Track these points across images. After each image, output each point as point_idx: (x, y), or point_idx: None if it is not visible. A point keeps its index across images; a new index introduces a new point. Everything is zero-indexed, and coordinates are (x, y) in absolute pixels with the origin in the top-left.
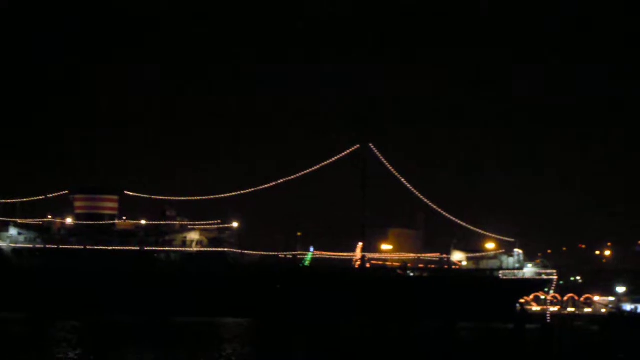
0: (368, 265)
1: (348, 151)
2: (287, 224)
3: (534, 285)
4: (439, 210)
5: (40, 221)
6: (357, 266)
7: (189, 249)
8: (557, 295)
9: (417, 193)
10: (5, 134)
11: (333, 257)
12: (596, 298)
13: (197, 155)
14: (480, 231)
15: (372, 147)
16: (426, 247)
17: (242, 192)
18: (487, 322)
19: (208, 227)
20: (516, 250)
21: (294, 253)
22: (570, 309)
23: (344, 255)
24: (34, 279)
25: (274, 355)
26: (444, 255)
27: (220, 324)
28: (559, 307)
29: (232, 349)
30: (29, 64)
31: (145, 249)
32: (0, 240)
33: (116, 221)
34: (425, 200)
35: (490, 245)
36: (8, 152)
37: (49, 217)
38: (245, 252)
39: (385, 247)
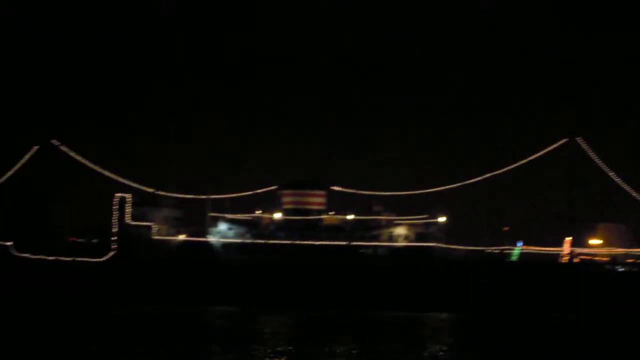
0: (576, 260)
1: (556, 145)
2: (494, 218)
3: None
4: None
5: (249, 216)
6: (565, 261)
7: (395, 244)
8: None
9: (626, 187)
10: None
11: (541, 251)
12: None
13: (401, 150)
14: None
15: (580, 140)
16: (636, 241)
17: (448, 187)
18: None
19: (415, 221)
20: None
21: (501, 248)
22: None
23: (552, 250)
24: (242, 273)
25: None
26: None
27: (426, 319)
28: None
29: (441, 343)
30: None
31: (352, 243)
32: (210, 234)
33: (323, 216)
34: (634, 194)
35: None
36: (218, 148)
37: (258, 212)
38: (452, 246)
39: (594, 241)
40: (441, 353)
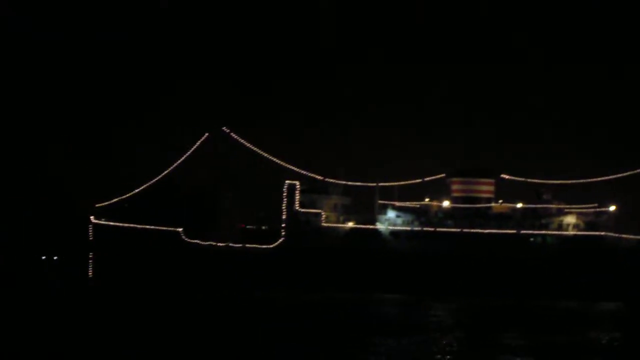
0: None
1: None
2: None
3: None
4: None
5: (417, 204)
6: None
7: (565, 233)
8: None
9: None
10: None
11: None
12: None
13: (569, 138)
14: None
15: None
16: None
17: (619, 175)
18: None
19: (585, 210)
20: None
21: None
22: None
23: None
24: (411, 261)
25: None
26: None
27: (595, 308)
28: None
29: (613, 333)
30: None
31: (521, 232)
32: (378, 222)
33: (492, 204)
34: None
35: None
36: (387, 136)
37: (426, 200)
38: (623, 236)
39: None
40: (615, 343)
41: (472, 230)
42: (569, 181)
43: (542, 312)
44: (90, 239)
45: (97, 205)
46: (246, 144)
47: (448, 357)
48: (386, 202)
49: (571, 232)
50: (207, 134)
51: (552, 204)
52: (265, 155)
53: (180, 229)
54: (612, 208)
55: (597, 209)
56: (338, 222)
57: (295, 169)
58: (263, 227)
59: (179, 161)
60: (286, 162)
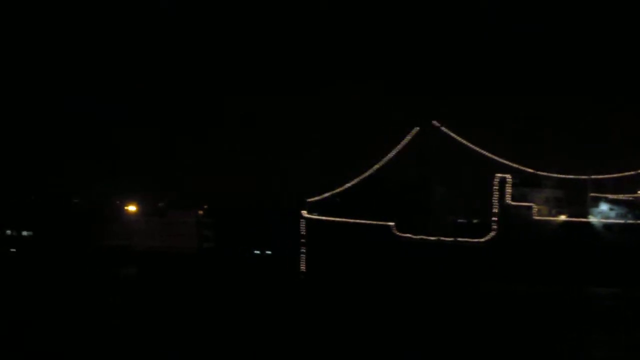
0: None
1: None
2: None
3: None
4: None
5: (631, 197)
6: None
7: None
8: None
9: None
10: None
11: None
12: None
13: None
14: None
15: None
16: None
17: None
18: None
19: None
20: None
21: None
22: None
23: None
24: (624, 254)
25: None
26: None
27: None
28: None
29: None
30: None
31: None
32: (591, 215)
33: None
34: None
35: None
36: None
37: (639, 192)
38: None
39: None
40: None
41: None
42: None
43: None
44: (303, 233)
45: (309, 200)
46: (456, 137)
47: None
48: (599, 194)
49: None
50: (417, 128)
51: None
52: (476, 148)
53: (392, 223)
54: None
55: None
56: (550, 215)
57: (506, 162)
58: (474, 221)
59: (390, 155)
60: (497, 156)
